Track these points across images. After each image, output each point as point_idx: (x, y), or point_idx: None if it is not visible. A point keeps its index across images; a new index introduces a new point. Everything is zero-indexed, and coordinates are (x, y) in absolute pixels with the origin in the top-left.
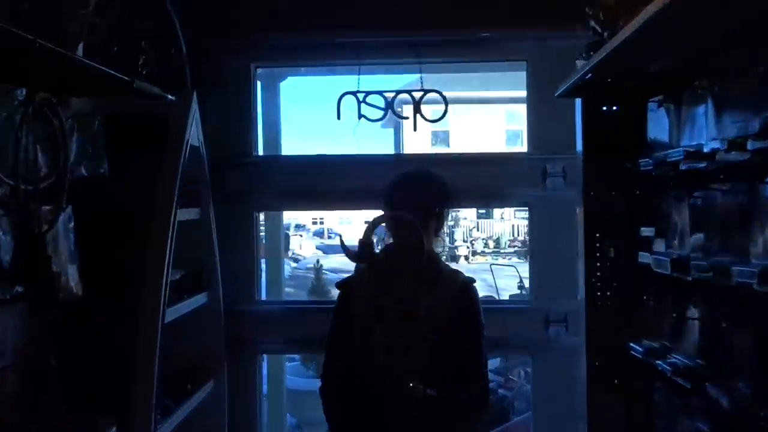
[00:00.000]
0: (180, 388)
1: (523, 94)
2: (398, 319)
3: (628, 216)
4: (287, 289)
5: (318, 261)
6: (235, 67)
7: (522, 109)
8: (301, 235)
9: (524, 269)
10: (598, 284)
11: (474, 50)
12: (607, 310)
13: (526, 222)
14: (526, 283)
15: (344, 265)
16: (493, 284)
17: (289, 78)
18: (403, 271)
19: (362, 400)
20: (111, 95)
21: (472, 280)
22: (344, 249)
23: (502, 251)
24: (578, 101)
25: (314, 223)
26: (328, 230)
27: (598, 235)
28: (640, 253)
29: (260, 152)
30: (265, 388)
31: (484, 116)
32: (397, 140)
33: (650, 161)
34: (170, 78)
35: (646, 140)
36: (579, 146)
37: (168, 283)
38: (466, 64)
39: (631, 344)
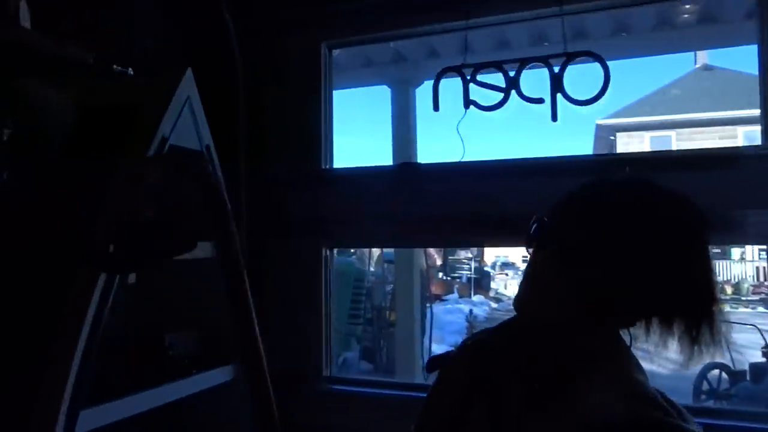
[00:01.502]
0: None
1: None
2: None
3: None
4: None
5: None
6: (300, 47)
7: None
8: (507, 274)
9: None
10: None
11: None
12: None
13: None
14: None
15: None
16: (726, 346)
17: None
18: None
19: None
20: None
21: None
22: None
23: (742, 299)
24: None
25: (524, 260)
26: None
27: None
28: None
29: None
30: None
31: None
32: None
33: None
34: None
35: None
36: None
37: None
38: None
39: None
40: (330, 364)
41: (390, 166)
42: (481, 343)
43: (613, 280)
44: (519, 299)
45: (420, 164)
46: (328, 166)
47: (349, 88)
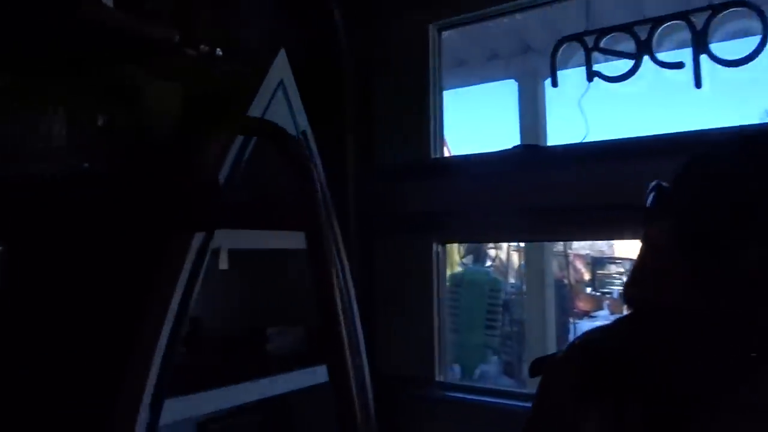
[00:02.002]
0: None
1: None
2: None
3: None
4: None
5: None
6: (408, 30)
7: None
8: None
9: None
10: None
11: None
12: None
13: None
14: None
15: None
16: None
17: None
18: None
19: None
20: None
21: None
22: None
23: None
24: None
25: None
26: None
27: None
28: None
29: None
30: None
31: None
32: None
33: None
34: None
35: None
36: None
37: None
38: None
39: None
40: (444, 369)
41: (510, 150)
42: (594, 341)
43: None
44: (632, 286)
45: (544, 147)
46: (438, 156)
47: (474, 84)
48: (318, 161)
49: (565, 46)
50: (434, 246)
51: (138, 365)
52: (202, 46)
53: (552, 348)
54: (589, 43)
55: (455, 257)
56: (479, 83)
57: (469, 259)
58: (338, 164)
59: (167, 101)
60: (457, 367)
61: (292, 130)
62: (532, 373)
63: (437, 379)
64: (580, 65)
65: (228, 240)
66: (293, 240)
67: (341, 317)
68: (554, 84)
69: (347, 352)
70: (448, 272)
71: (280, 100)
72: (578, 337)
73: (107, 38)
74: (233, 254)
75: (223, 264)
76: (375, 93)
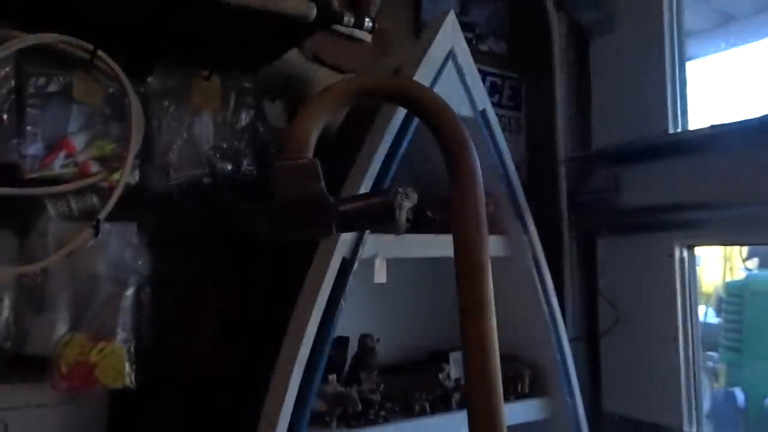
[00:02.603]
0: None
1: None
2: None
3: None
4: None
5: None
6: None
7: None
8: None
9: None
10: None
11: None
12: None
13: None
14: None
15: None
16: None
17: None
18: None
19: None
20: None
21: None
22: None
23: None
24: None
25: None
26: None
27: None
28: None
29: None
30: None
31: None
32: None
33: None
34: None
35: None
36: None
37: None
38: None
39: None
40: (698, 415)
41: None
42: None
43: None
44: None
45: None
46: (678, 130)
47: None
48: (502, 146)
49: None
50: (677, 250)
51: (274, 393)
52: (346, 18)
53: None
54: None
55: (734, 261)
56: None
57: (753, 263)
58: (545, 148)
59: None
60: (739, 393)
61: (467, 110)
62: None
63: (686, 430)
64: None
65: (385, 248)
66: None
67: (490, 347)
68: None
69: (496, 393)
70: (728, 279)
71: (450, 72)
72: None
73: (250, 21)
74: (397, 264)
75: (380, 276)
76: (593, 61)
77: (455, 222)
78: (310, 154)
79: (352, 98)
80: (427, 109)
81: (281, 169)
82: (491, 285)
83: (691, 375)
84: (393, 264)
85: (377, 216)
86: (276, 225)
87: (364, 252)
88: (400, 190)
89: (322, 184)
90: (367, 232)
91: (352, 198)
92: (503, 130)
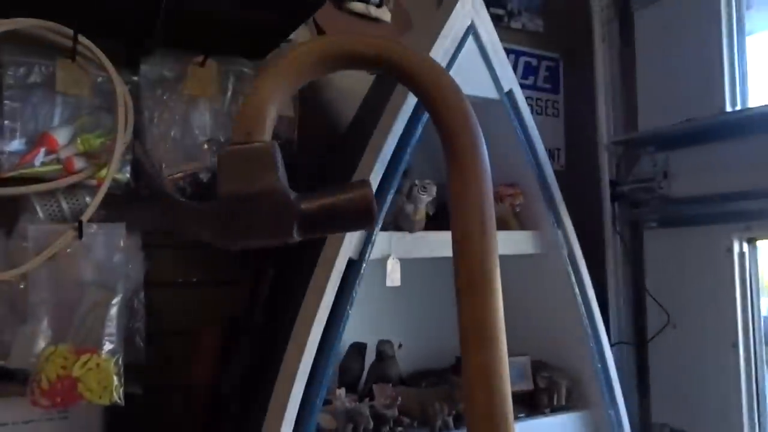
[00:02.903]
0: None
1: None
2: None
3: None
4: None
5: None
6: None
7: None
8: None
9: None
10: None
11: None
12: None
13: None
14: None
15: None
16: None
17: None
18: None
19: None
20: None
21: None
22: None
23: None
24: None
25: None
26: None
27: None
28: None
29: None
30: None
31: None
32: None
33: None
34: None
35: None
36: None
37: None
38: None
39: None
40: (760, 428)
41: None
42: None
43: None
44: None
45: None
46: (737, 108)
47: None
48: (532, 129)
49: None
50: (735, 243)
51: (274, 410)
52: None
53: None
54: None
55: None
56: None
57: None
58: (586, 132)
59: None
60: None
61: (491, 90)
62: None
63: None
64: None
65: (399, 247)
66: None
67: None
68: None
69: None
70: None
71: (470, 50)
72: None
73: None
74: (421, 264)
75: (393, 279)
76: (637, 31)
77: (454, 222)
78: (266, 136)
79: (319, 65)
80: (414, 75)
81: (226, 156)
82: (501, 304)
83: (753, 384)
84: (416, 263)
85: (352, 214)
86: (220, 228)
87: (374, 252)
88: (416, 182)
89: (280, 173)
90: (377, 229)
91: (321, 193)
92: (539, 114)
